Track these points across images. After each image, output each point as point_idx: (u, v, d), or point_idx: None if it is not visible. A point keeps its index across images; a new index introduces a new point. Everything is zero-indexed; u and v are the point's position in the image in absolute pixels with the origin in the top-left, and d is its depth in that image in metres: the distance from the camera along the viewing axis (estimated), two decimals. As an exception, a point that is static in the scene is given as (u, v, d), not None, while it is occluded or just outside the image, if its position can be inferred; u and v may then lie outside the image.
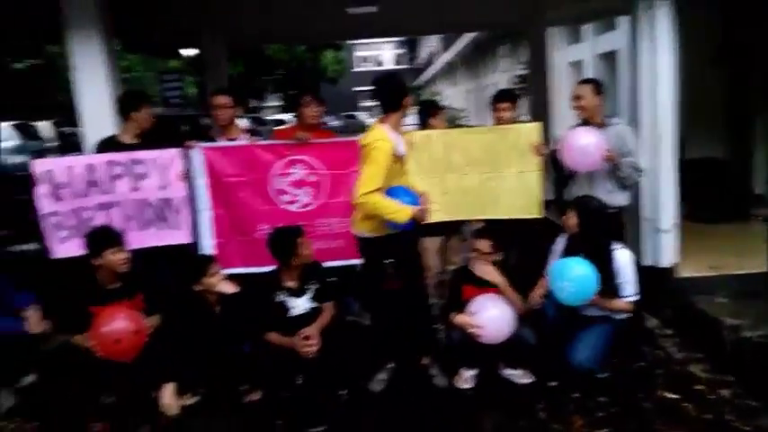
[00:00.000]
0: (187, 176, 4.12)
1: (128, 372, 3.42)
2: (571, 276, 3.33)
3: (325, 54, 27.08)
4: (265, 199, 4.30)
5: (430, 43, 37.82)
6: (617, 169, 3.91)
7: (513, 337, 3.50)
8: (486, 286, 3.64)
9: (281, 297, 3.70)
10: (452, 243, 4.58)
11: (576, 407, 3.28)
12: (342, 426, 3.24)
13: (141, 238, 3.95)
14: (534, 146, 4.01)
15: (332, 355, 3.51)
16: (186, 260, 3.90)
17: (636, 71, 4.66)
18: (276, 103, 32.61)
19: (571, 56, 13.86)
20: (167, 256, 4.08)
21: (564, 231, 3.73)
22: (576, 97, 4.04)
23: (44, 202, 3.88)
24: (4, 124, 14.82)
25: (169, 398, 3.41)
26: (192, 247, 4.18)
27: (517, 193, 4.09)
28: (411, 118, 4.38)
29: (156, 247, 4.06)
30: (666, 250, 4.49)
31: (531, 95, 8.97)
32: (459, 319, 3.54)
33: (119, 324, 3.29)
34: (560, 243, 3.77)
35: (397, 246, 3.50)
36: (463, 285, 3.74)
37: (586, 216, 3.57)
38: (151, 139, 4.17)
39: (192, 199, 4.17)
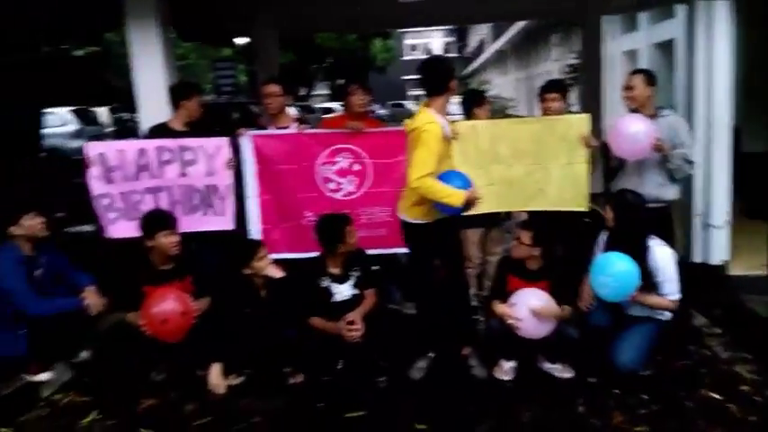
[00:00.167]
0: (233, 164, 4.21)
1: (177, 351, 3.56)
2: (611, 272, 3.29)
3: (375, 42, 27.09)
4: (311, 186, 4.36)
5: (480, 31, 37.40)
6: (667, 160, 3.82)
7: (555, 332, 3.47)
8: (531, 279, 3.62)
9: (326, 283, 3.77)
10: (493, 234, 4.57)
11: (616, 403, 3.23)
12: (380, 412, 3.28)
13: (186, 223, 4.05)
14: (583, 137, 3.95)
15: (372, 342, 3.57)
16: (236, 244, 4.00)
17: (691, 61, 4.53)
18: (325, 92, 32.87)
19: (625, 45, 13.50)
20: (216, 240, 4.20)
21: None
22: (627, 87, 3.96)
23: (95, 183, 4.04)
24: (64, 109, 15.39)
25: (216, 377, 3.52)
26: (241, 232, 4.29)
27: (564, 186, 4.04)
28: (455, 107, 4.38)
29: (206, 231, 4.19)
30: (717, 247, 4.39)
31: (582, 85, 8.78)
32: (500, 308, 3.53)
33: (167, 305, 3.42)
34: (603, 238, 3.71)
35: (444, 232, 3.51)
36: (509, 275, 3.73)
37: (621, 210, 3.52)
38: (200, 127, 4.29)
39: (239, 185, 4.27)
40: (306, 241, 4.25)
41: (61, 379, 3.69)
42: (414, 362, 3.68)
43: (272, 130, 4.42)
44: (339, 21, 10.07)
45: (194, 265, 3.91)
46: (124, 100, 17.56)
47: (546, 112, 4.30)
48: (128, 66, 4.56)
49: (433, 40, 45.68)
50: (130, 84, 4.56)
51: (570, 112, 4.74)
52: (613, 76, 11.72)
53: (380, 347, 3.65)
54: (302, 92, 25.87)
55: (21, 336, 3.55)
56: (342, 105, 4.67)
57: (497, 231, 4.59)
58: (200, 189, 4.19)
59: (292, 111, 6.22)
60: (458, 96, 4.17)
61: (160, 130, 4.25)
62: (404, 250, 3.79)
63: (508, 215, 4.45)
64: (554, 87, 4.36)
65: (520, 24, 22.99)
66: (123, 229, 4.07)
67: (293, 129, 4.43)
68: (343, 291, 3.79)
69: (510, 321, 3.43)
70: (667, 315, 3.47)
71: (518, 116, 15.49)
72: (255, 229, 4.33)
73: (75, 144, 13.08)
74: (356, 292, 3.80)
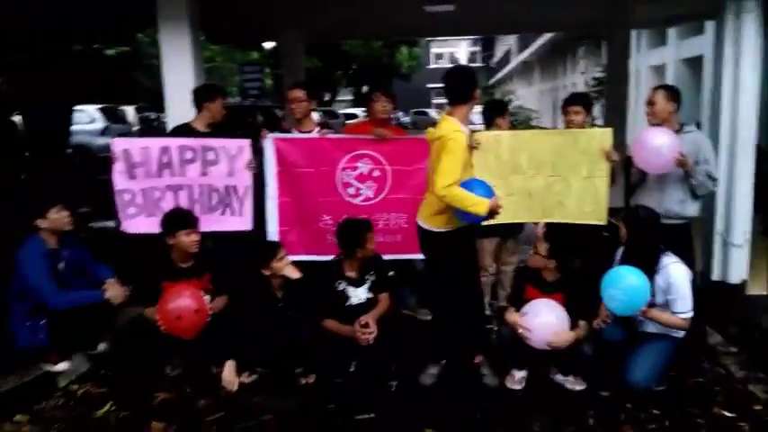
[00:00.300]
0: (254, 166, 4.27)
1: (192, 347, 3.62)
2: (621, 285, 3.28)
3: (401, 50, 27.18)
4: (331, 191, 4.39)
5: (507, 42, 37.32)
6: (690, 176, 3.81)
7: (569, 347, 3.46)
8: (547, 290, 3.62)
9: (342, 286, 3.82)
10: (508, 244, 4.57)
11: (626, 417, 3.22)
12: (389, 415, 3.30)
13: (205, 222, 4.08)
14: (605, 151, 3.95)
15: (385, 346, 3.60)
16: (256, 244, 4.06)
17: (718, 77, 4.51)
18: (348, 98, 33.03)
19: (653, 60, 13.41)
20: (232, 239, 4.27)
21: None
22: (650, 103, 3.96)
23: (119, 178, 4.13)
24: (92, 107, 15.68)
25: (229, 374, 3.57)
26: (260, 233, 4.34)
27: (583, 199, 4.02)
28: (476, 117, 4.40)
29: (226, 231, 4.25)
30: (737, 266, 4.34)
31: (607, 99, 8.73)
32: (511, 317, 3.54)
33: (182, 302, 3.48)
34: (619, 253, 3.70)
35: (461, 241, 3.52)
36: (526, 285, 3.73)
37: (633, 226, 3.51)
38: (222, 129, 4.37)
39: (260, 187, 4.32)
40: (322, 244, 4.31)
41: (79, 370, 3.76)
42: (425, 367, 3.70)
43: (294, 135, 4.48)
44: (366, 28, 10.14)
45: (213, 264, 3.97)
46: (151, 99, 17.90)
47: (569, 124, 4.30)
48: (156, 66, 4.66)
49: (459, 50, 45.71)
50: (158, 83, 4.66)
51: (593, 126, 4.72)
52: (639, 91, 11.65)
53: (393, 352, 3.68)
54: (326, 97, 26.05)
55: (41, 326, 3.64)
56: (365, 112, 4.70)
57: (512, 241, 4.60)
58: (219, 189, 4.25)
59: (315, 115, 6.29)
60: (479, 106, 4.18)
61: (183, 131, 4.33)
62: (419, 257, 3.81)
63: (521, 226, 4.45)
64: (577, 100, 4.36)
65: (547, 36, 22.91)
66: (140, 224, 4.15)
67: (316, 133, 4.48)
68: (358, 294, 3.83)
69: (520, 331, 3.44)
70: (682, 332, 3.44)
71: (541, 128, 15.44)
72: (273, 231, 4.38)
73: (101, 141, 13.28)
74: (371, 296, 3.84)
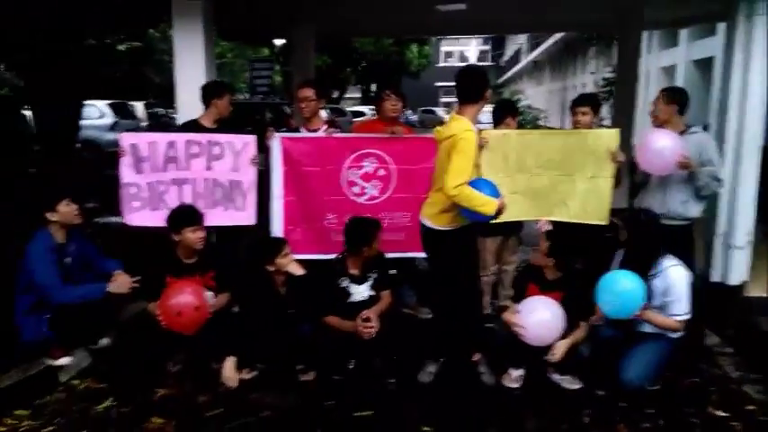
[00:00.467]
0: (257, 161, 4.28)
1: (193, 343, 3.64)
2: (615, 289, 3.30)
3: (411, 48, 27.11)
4: (336, 189, 4.40)
5: (517, 41, 37.22)
6: (694, 178, 3.81)
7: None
8: (547, 289, 3.63)
9: (345, 283, 3.84)
10: (510, 243, 4.58)
11: (621, 416, 3.24)
12: (388, 412, 3.32)
13: (208, 217, 4.10)
14: (611, 152, 3.95)
15: (384, 344, 3.62)
16: (261, 240, 4.07)
17: (727, 79, 4.50)
18: (356, 95, 32.99)
19: (664, 61, 13.34)
20: (235, 234, 4.30)
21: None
22: (653, 104, 3.98)
23: (125, 172, 4.17)
24: (102, 102, 15.75)
25: (229, 371, 3.59)
26: (264, 231, 4.36)
27: (587, 199, 4.03)
28: (484, 116, 4.40)
29: (229, 226, 4.28)
30: (737, 268, 4.34)
31: (616, 100, 8.69)
32: (506, 315, 3.56)
33: (183, 298, 3.51)
34: (619, 255, 3.70)
35: (464, 240, 3.53)
36: (529, 282, 3.74)
37: (633, 228, 3.52)
38: (229, 126, 4.41)
39: (266, 185, 4.34)
40: (326, 242, 4.32)
41: (80, 365, 3.78)
42: (424, 365, 3.71)
43: (300, 134, 4.48)
44: (378, 26, 10.12)
45: (217, 261, 3.99)
46: (160, 95, 17.97)
47: (576, 125, 4.30)
48: (166, 62, 4.69)
49: (469, 48, 45.62)
50: (167, 79, 4.69)
51: (600, 126, 4.72)
52: (648, 92, 11.58)
53: (392, 349, 3.70)
54: (334, 94, 26.03)
55: (44, 321, 3.66)
56: (373, 110, 4.70)
57: (514, 240, 4.60)
58: (223, 184, 4.28)
59: (323, 113, 6.30)
60: (490, 105, 4.18)
61: (190, 127, 4.37)
62: (422, 255, 3.82)
63: (521, 224, 4.46)
64: (585, 101, 4.36)
65: (558, 36, 22.84)
66: (143, 217, 4.18)
67: (323, 131, 4.48)
68: (361, 291, 3.85)
69: (515, 329, 3.45)
70: (677, 333, 3.44)
71: (548, 128, 15.39)
72: (278, 230, 4.39)
73: (109, 136, 13.31)
74: (373, 293, 3.87)
